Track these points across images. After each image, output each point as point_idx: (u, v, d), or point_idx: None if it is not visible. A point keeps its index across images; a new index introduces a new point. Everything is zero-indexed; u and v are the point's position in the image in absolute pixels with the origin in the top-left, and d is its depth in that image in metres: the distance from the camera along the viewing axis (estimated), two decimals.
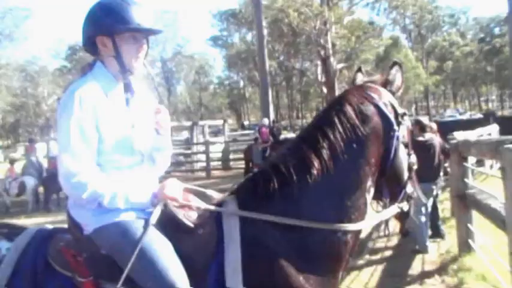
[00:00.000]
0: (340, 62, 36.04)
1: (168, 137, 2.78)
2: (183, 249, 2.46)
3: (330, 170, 2.56)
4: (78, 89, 2.49)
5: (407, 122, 2.79)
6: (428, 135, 8.46)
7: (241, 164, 22.32)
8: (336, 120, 2.61)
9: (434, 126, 9.41)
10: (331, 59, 33.71)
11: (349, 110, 2.64)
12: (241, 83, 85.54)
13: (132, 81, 2.72)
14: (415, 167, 2.84)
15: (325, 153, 2.56)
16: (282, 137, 20.81)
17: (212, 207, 2.62)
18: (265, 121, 21.02)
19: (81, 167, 2.44)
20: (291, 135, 27.34)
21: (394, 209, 2.76)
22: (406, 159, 2.77)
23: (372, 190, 2.67)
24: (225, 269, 2.41)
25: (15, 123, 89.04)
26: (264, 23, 32.67)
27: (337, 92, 35.20)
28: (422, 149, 7.48)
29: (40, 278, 2.54)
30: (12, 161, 19.98)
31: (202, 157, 24.77)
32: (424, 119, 9.47)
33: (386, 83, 2.84)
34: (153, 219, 2.46)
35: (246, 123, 73.66)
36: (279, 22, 37.11)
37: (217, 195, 2.78)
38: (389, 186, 2.75)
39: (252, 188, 2.64)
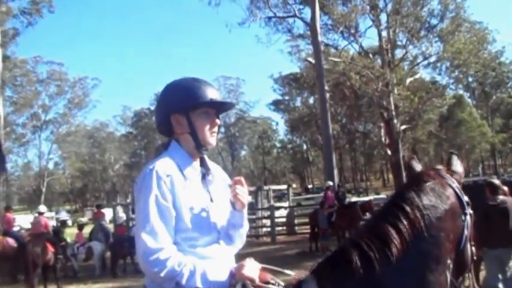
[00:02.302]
0: (404, 123, 35.72)
1: (245, 214, 2.77)
2: None
3: (411, 246, 2.51)
4: (155, 167, 2.55)
5: (471, 211, 2.76)
6: (501, 198, 8.15)
7: (307, 229, 22.10)
8: (415, 197, 2.59)
9: (505, 188, 9.06)
10: (394, 120, 33.48)
11: (427, 188, 2.63)
12: (304, 147, 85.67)
13: (206, 157, 2.78)
14: (474, 257, 2.79)
15: (405, 229, 2.53)
16: (347, 200, 20.58)
17: None
18: (330, 184, 20.88)
19: (159, 244, 2.46)
20: (356, 199, 26.97)
21: None
22: (470, 249, 2.74)
23: (451, 268, 2.62)
24: None
25: (83, 188, 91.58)
26: (326, 87, 32.97)
27: (401, 154, 34.82)
28: (496, 213, 7.25)
29: None
30: (80, 227, 20.50)
31: (267, 222, 24.68)
32: (496, 180, 9.11)
33: (451, 173, 2.84)
34: None
35: (309, 186, 73.30)
36: (340, 85, 37.37)
37: (295, 275, 2.76)
38: (456, 275, 2.70)
39: (332, 267, 2.61)
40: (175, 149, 2.71)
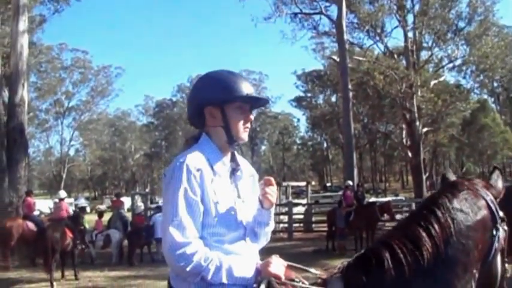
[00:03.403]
0: (426, 126, 35.50)
1: (272, 213, 2.76)
2: None
3: (441, 252, 2.50)
4: (186, 160, 2.53)
5: (505, 227, 2.73)
6: None
7: (324, 227, 22.04)
8: (448, 204, 2.58)
9: None
10: (417, 122, 33.29)
11: (460, 196, 2.63)
12: (325, 145, 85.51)
13: (236, 153, 2.76)
14: (508, 274, 2.76)
15: (436, 234, 2.52)
16: (366, 200, 20.46)
17: None
18: (349, 183, 20.80)
19: (186, 239, 2.45)
20: (375, 199, 26.85)
21: None
22: (501, 264, 2.70)
23: (477, 277, 2.59)
24: None
25: (103, 176, 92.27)
26: (350, 86, 32.84)
27: (422, 156, 34.59)
28: None
29: None
30: (100, 214, 20.64)
31: (285, 218, 24.66)
32: None
33: (488, 187, 2.80)
34: None
35: (328, 184, 73.12)
36: (364, 85, 37.13)
37: (321, 274, 2.75)
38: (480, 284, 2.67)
39: (360, 268, 2.60)
40: (206, 143, 2.69)
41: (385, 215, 18.71)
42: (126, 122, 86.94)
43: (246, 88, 2.66)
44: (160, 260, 16.64)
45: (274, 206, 2.76)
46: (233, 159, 2.75)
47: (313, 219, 26.03)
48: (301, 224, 25.92)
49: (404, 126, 36.70)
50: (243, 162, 2.82)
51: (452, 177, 2.88)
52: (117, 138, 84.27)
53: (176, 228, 2.45)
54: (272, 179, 2.70)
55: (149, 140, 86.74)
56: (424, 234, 2.52)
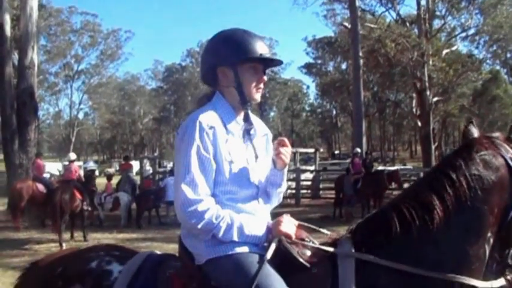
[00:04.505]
0: (436, 95, 35.24)
1: (285, 174, 2.74)
2: (295, 287, 2.42)
3: (453, 215, 2.48)
4: (199, 118, 2.52)
5: None
6: None
7: (331, 194, 22.11)
8: (463, 166, 2.53)
9: None
10: (427, 91, 33.06)
11: (477, 157, 2.57)
12: (334, 112, 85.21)
13: (249, 113, 2.74)
14: None
15: (449, 198, 2.49)
16: (374, 169, 20.46)
17: (327, 248, 2.58)
18: (358, 150, 20.76)
19: (198, 196, 2.45)
20: (383, 168, 26.83)
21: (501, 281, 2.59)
22: None
23: (491, 242, 2.55)
24: None
25: (111, 139, 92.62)
26: (360, 53, 32.58)
27: (431, 126, 34.44)
28: None
29: None
30: (109, 177, 20.78)
31: (292, 184, 24.71)
32: None
33: (508, 141, 2.74)
34: (269, 254, 2.43)
35: (336, 152, 73.13)
36: (375, 52, 36.80)
37: (331, 234, 2.75)
38: (499, 249, 2.63)
39: (370, 229, 2.59)
40: (220, 102, 2.68)
41: (393, 183, 18.73)
42: (136, 86, 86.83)
43: (260, 48, 2.62)
44: (169, 223, 16.84)
45: (287, 167, 2.75)
46: (247, 119, 2.73)
47: (321, 186, 26.09)
48: (309, 191, 26.01)
49: (414, 95, 36.55)
50: (257, 122, 2.81)
51: (475, 132, 2.78)
52: (126, 102, 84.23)
53: (188, 185, 2.46)
54: (286, 139, 2.68)
55: (158, 104, 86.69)
56: (435, 197, 2.50)
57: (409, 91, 44.05)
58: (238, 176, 2.59)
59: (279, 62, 2.76)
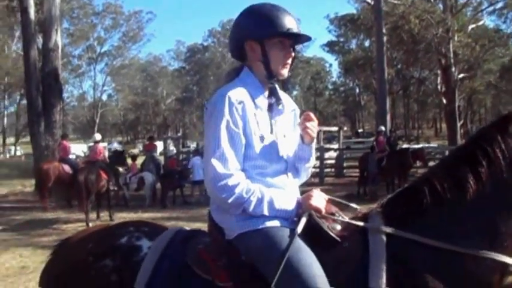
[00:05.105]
0: (462, 72, 34.75)
1: (312, 148, 2.75)
2: (326, 262, 2.41)
3: (486, 190, 2.43)
4: (228, 92, 2.52)
5: None
6: None
7: (355, 172, 22.07)
8: (499, 139, 2.49)
9: None
10: (453, 68, 32.60)
11: None
12: (357, 90, 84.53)
13: (277, 88, 2.73)
14: None
15: (483, 172, 2.44)
16: (398, 147, 20.32)
17: (357, 222, 2.57)
18: (382, 128, 20.63)
19: (228, 171, 2.46)
20: (407, 146, 26.62)
21: None
22: None
23: None
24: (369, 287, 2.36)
25: (135, 120, 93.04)
26: (384, 30, 32.18)
27: (457, 103, 34.01)
28: None
29: (179, 279, 2.58)
30: (133, 157, 20.97)
31: (316, 163, 24.64)
32: None
33: None
34: (299, 228, 2.43)
35: (360, 131, 72.75)
36: (398, 29, 36.37)
37: (361, 208, 2.74)
38: None
39: (401, 204, 2.56)
40: (248, 76, 2.68)
41: (418, 161, 18.60)
42: (158, 67, 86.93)
43: (288, 23, 2.61)
44: (193, 202, 16.95)
45: (315, 141, 2.75)
46: (274, 93, 2.71)
47: (345, 164, 26.06)
48: (333, 169, 25.98)
49: (439, 72, 36.04)
50: (285, 97, 2.79)
51: None
52: (149, 83, 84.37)
53: (218, 160, 2.46)
54: (312, 114, 2.67)
55: (181, 84, 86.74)
56: (469, 170, 2.46)
57: (433, 68, 43.53)
58: (268, 151, 2.59)
59: (306, 38, 2.74)
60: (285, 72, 2.68)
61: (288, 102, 2.80)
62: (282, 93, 2.76)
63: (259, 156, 2.56)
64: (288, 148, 2.68)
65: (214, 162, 2.46)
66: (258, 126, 2.57)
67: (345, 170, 25.54)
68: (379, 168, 17.90)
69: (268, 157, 2.59)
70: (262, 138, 2.57)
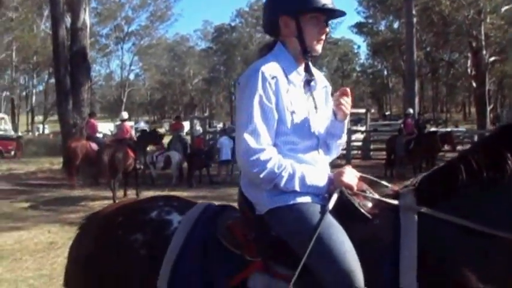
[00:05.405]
0: (493, 55, 34.17)
1: (345, 125, 2.72)
2: (356, 239, 2.39)
3: None
4: (261, 67, 2.50)
5: None
6: None
7: (382, 155, 21.93)
8: None
9: None
10: (483, 51, 32.08)
11: None
12: (385, 72, 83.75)
13: (310, 64, 2.69)
14: None
15: None
16: (426, 130, 20.11)
17: (389, 200, 2.55)
18: (410, 111, 20.42)
19: (261, 145, 2.45)
20: (435, 129, 26.34)
21: None
22: None
23: None
24: (399, 266, 2.33)
25: (162, 100, 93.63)
26: (414, 11, 31.72)
27: (487, 87, 33.49)
28: None
29: (209, 253, 2.59)
30: (160, 136, 21.08)
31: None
32: None
33: None
34: (331, 204, 2.42)
35: (387, 113, 72.22)
36: (429, 10, 35.82)
37: (393, 186, 2.70)
38: None
39: (435, 182, 2.52)
40: (281, 52, 2.65)
41: (446, 145, 18.38)
42: (185, 47, 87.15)
43: None
44: (220, 182, 16.98)
45: (348, 118, 2.72)
46: (307, 69, 2.68)
47: (372, 146, 25.91)
48: (360, 152, 25.83)
49: (469, 55, 35.58)
50: (317, 74, 2.76)
51: None
52: (176, 63, 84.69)
53: (250, 135, 2.45)
54: (348, 89, 2.64)
55: (208, 65, 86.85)
56: (506, 150, 2.39)
57: (464, 50, 42.91)
58: (300, 127, 2.57)
59: (341, 13, 2.70)
60: (319, 48, 2.66)
61: (320, 79, 2.78)
62: (314, 70, 2.74)
63: (291, 132, 2.55)
64: (319, 125, 2.66)
65: (247, 136, 2.45)
66: (290, 102, 2.54)
67: (371, 153, 25.40)
68: (406, 151, 17.76)
69: (300, 133, 2.57)
70: (294, 114, 2.55)
